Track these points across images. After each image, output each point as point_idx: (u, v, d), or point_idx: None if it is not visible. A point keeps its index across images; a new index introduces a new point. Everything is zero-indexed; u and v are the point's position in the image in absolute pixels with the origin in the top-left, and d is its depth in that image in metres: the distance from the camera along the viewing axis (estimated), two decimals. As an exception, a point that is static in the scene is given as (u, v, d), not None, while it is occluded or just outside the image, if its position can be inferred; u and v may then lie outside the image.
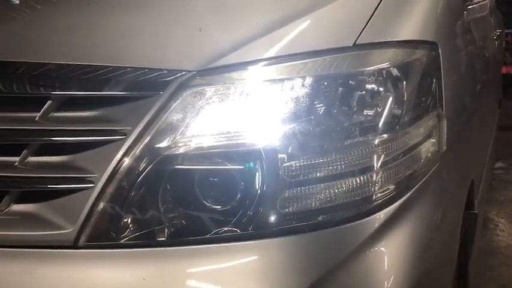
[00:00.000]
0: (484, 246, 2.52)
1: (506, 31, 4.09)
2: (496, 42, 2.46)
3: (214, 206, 0.83)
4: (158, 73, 0.86)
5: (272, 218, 0.82)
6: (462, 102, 1.26)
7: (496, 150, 3.14)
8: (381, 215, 0.87)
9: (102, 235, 0.82)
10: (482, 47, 1.77)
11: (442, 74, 1.05)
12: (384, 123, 0.89)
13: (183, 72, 0.85)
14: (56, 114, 0.87)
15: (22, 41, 1.01)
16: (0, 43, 0.97)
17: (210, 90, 0.85)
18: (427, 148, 0.98)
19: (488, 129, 2.17)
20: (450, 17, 1.24)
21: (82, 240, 0.82)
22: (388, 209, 0.87)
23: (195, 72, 0.85)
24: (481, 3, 1.68)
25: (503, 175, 3.86)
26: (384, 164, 0.88)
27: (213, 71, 0.86)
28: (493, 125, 2.56)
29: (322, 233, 0.83)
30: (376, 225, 0.86)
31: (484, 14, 1.84)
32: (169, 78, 0.85)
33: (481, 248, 2.17)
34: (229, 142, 0.83)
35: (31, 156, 0.87)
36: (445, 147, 1.02)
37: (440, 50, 1.05)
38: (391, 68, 0.92)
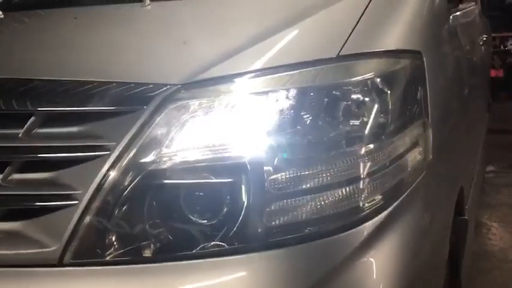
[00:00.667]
0: (477, 250, 2.52)
1: (493, 35, 4.13)
2: (482, 47, 2.48)
3: (200, 221, 0.83)
4: (142, 87, 0.85)
5: (259, 232, 0.82)
6: (448, 110, 1.27)
7: (487, 154, 3.16)
8: (369, 225, 0.86)
9: (88, 252, 0.81)
10: (468, 52, 1.79)
11: (427, 83, 1.06)
12: (370, 133, 0.89)
13: (167, 86, 0.85)
14: (39, 130, 0.86)
15: (7, 56, 1.01)
16: None
17: (194, 104, 0.85)
18: (414, 157, 0.98)
19: (478, 134, 2.18)
20: (434, 24, 1.25)
21: (67, 257, 0.81)
22: (375, 219, 0.87)
23: (179, 86, 0.85)
24: (466, 8, 1.69)
25: (495, 179, 3.88)
26: (370, 174, 0.88)
27: (197, 84, 0.86)
28: (482, 129, 2.57)
29: (309, 246, 0.83)
30: (364, 235, 0.86)
31: (470, 19, 1.85)
32: (153, 93, 0.85)
33: (473, 251, 2.17)
34: (214, 155, 0.83)
35: (14, 173, 0.86)
36: (431, 156, 1.02)
37: (424, 59, 1.06)
38: (376, 78, 0.92)
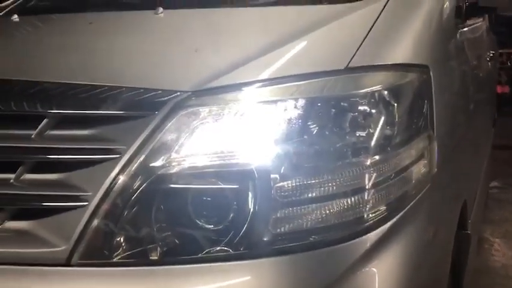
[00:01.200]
0: (479, 266, 2.51)
1: (500, 51, 4.14)
2: (489, 62, 2.49)
3: (206, 226, 0.84)
4: (154, 93, 0.87)
5: (264, 238, 0.83)
6: (454, 124, 1.28)
7: (492, 170, 3.15)
8: (372, 236, 0.87)
9: (95, 253, 0.82)
10: (475, 67, 1.80)
11: (434, 97, 1.07)
12: (376, 144, 0.90)
13: (178, 93, 0.87)
14: (51, 132, 0.88)
15: (21, 59, 1.03)
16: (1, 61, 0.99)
17: (204, 111, 0.87)
18: (419, 169, 0.99)
19: (482, 149, 2.18)
20: (442, 39, 1.26)
21: (75, 258, 0.82)
22: (379, 229, 0.88)
23: (190, 93, 0.87)
24: (473, 25, 1.71)
25: (499, 194, 3.87)
26: (375, 185, 0.89)
27: (208, 92, 0.88)
28: (487, 144, 2.57)
29: (314, 254, 0.84)
30: (367, 245, 0.87)
31: (478, 34, 1.86)
32: (164, 99, 0.86)
33: (475, 267, 2.16)
34: (222, 162, 0.84)
35: (26, 173, 0.88)
36: (435, 169, 1.03)
37: (431, 73, 1.07)
38: (383, 91, 0.94)
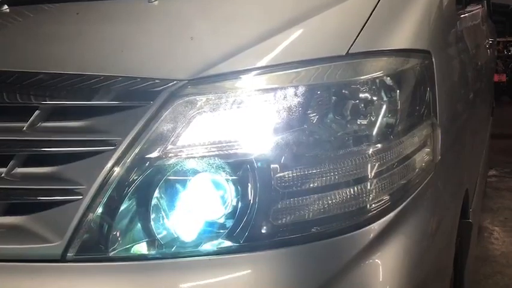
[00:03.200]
0: (479, 254, 2.51)
1: (498, 39, 4.12)
2: (488, 50, 2.47)
3: (205, 218, 0.82)
4: (149, 82, 0.84)
5: (265, 230, 0.81)
6: (455, 111, 1.26)
7: (490, 159, 3.14)
8: (376, 226, 0.85)
9: (91, 248, 0.80)
10: (474, 55, 1.78)
11: (436, 83, 1.05)
12: (378, 132, 0.88)
13: (174, 82, 0.84)
14: (44, 124, 0.85)
15: (12, 50, 1.00)
16: None
17: (201, 100, 0.84)
18: (422, 158, 0.97)
19: (482, 138, 2.17)
20: (443, 25, 1.24)
21: (70, 253, 0.80)
22: (382, 219, 0.86)
23: (186, 82, 0.84)
24: (473, 12, 1.68)
25: (497, 183, 3.87)
26: (378, 174, 0.87)
27: (204, 80, 0.85)
28: (486, 133, 2.56)
29: (316, 245, 0.81)
30: (370, 236, 0.84)
31: (477, 22, 1.84)
32: (159, 88, 0.84)
33: (476, 256, 2.16)
34: (221, 152, 0.82)
35: (18, 167, 0.85)
36: (439, 157, 1.01)
37: (433, 59, 1.05)
38: (385, 77, 0.91)
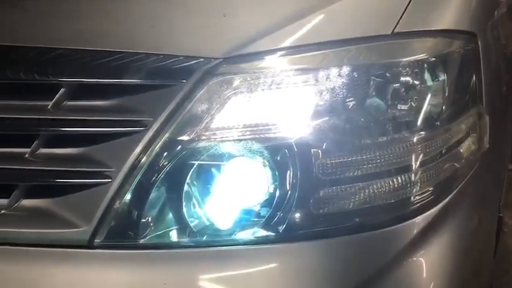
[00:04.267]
0: (499, 250, 2.44)
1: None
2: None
3: (241, 205, 0.77)
4: (181, 60, 0.79)
5: (305, 219, 0.76)
6: (500, 98, 1.19)
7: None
8: (421, 219, 0.80)
9: (120, 234, 0.76)
10: None
11: (482, 67, 0.99)
12: (423, 118, 0.83)
13: (209, 60, 0.79)
14: (69, 102, 0.80)
15: (33, 25, 0.95)
16: (9, 27, 0.91)
17: (237, 79, 0.78)
18: (468, 147, 0.91)
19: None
20: (489, 7, 1.17)
21: (98, 239, 0.76)
22: (428, 212, 0.81)
23: (221, 60, 0.79)
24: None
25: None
26: (423, 163, 0.82)
27: (240, 59, 0.80)
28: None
29: (358, 237, 0.77)
30: (415, 229, 0.80)
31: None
32: (193, 66, 0.78)
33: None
34: (258, 136, 0.77)
35: (42, 147, 0.81)
36: (487, 145, 0.95)
37: (479, 42, 0.98)
38: (431, 59, 0.85)
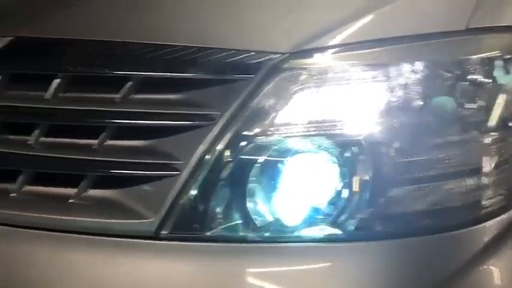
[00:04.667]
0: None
1: None
2: None
3: (307, 202, 0.76)
4: (248, 55, 0.79)
5: (374, 219, 0.74)
6: None
7: None
8: (491, 224, 0.77)
9: (186, 227, 0.76)
10: None
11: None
12: (496, 119, 0.79)
13: (275, 54, 0.78)
14: (137, 96, 0.82)
15: (102, 19, 0.97)
16: (78, 21, 0.93)
17: (304, 74, 0.78)
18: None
19: None
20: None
21: (164, 231, 0.76)
22: (499, 218, 0.78)
23: (288, 55, 0.78)
24: None
25: None
26: (496, 165, 0.78)
27: (308, 54, 0.79)
28: None
29: (428, 239, 0.74)
30: (485, 235, 0.77)
31: None
32: (260, 60, 0.78)
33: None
34: (326, 132, 0.75)
35: (109, 139, 0.82)
36: None
37: None
38: (506, 56, 0.82)
